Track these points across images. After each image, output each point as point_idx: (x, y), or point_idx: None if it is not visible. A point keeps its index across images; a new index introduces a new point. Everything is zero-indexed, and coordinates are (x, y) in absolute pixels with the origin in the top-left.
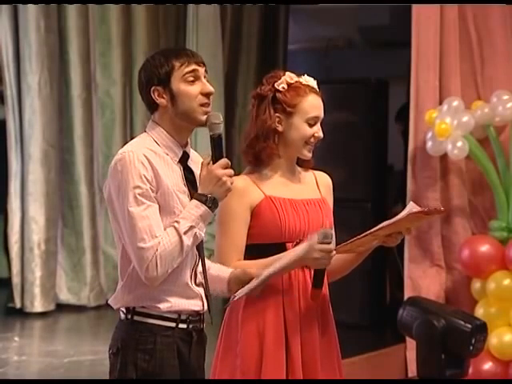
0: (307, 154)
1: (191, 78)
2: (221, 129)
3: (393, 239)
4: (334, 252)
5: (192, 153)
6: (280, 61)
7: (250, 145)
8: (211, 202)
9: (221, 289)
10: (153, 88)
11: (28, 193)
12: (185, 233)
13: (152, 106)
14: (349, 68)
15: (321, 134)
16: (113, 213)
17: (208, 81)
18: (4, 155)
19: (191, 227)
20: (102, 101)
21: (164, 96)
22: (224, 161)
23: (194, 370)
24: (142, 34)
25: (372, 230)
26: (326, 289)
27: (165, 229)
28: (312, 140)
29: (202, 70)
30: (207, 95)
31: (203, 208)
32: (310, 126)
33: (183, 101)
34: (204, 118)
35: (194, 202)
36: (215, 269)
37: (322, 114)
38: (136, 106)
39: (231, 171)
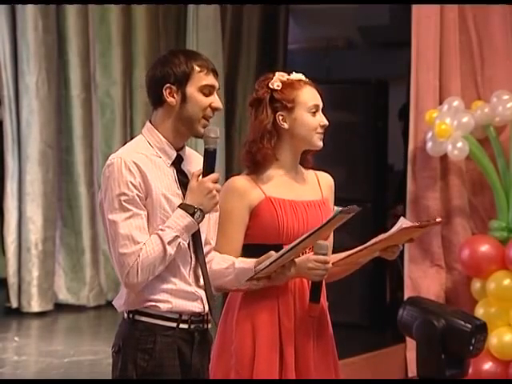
0: (319, 144)
1: (207, 91)
2: (216, 144)
3: (389, 253)
4: (330, 264)
5: (192, 152)
6: (280, 61)
7: (248, 149)
8: (198, 214)
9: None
10: (167, 85)
11: (25, 193)
12: (169, 243)
13: (158, 102)
14: (349, 68)
15: (326, 121)
16: (103, 217)
17: (218, 96)
18: (1, 155)
19: (176, 237)
20: (102, 101)
21: (175, 96)
22: (215, 175)
23: (196, 371)
24: (142, 34)
25: (366, 244)
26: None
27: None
28: (319, 129)
29: (217, 85)
30: (214, 110)
31: (189, 219)
32: (313, 114)
33: (192, 107)
34: (202, 130)
35: (180, 211)
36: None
37: (321, 103)
38: (136, 106)
39: (220, 187)
